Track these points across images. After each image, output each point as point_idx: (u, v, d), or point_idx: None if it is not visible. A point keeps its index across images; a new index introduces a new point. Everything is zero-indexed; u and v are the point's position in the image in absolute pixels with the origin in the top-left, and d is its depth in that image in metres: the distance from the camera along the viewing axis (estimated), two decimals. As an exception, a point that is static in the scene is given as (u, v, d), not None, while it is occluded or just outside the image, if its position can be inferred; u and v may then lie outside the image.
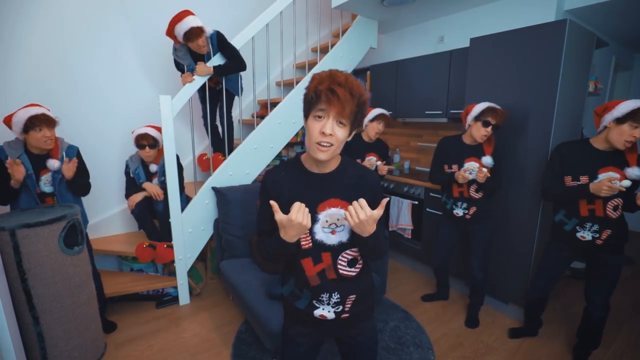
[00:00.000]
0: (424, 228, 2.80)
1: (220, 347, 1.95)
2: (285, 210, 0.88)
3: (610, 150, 1.58)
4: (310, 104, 0.87)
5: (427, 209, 2.73)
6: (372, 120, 2.31)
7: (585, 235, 1.65)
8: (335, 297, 0.98)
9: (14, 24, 2.20)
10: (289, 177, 0.97)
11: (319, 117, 0.85)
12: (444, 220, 2.23)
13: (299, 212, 0.84)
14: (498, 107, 1.88)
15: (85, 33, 2.46)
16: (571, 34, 1.88)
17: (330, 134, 0.84)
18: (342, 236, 0.95)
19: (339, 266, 0.97)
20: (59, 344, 1.62)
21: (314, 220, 0.93)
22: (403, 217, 2.89)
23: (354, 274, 1.00)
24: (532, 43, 1.99)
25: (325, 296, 0.98)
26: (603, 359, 1.87)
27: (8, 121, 1.72)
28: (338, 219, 0.94)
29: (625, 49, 3.58)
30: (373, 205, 0.87)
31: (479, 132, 1.90)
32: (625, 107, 1.48)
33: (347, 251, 0.98)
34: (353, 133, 0.93)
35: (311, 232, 0.95)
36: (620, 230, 1.61)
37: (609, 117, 1.53)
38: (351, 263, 0.99)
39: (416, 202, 2.81)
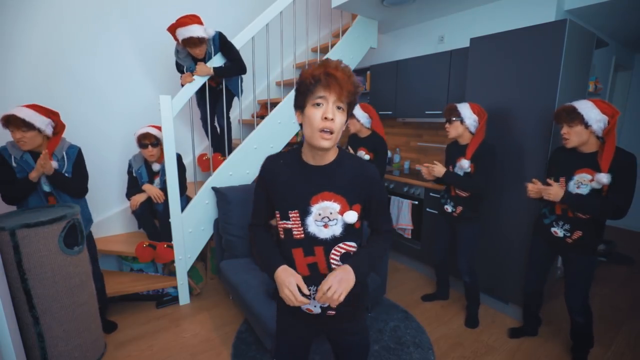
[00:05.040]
0: (423, 228, 2.80)
1: (220, 347, 1.95)
2: (277, 195, 0.96)
3: (588, 152, 1.59)
4: (306, 92, 0.87)
5: (427, 209, 2.73)
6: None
7: (558, 231, 1.70)
8: None
9: (14, 24, 2.20)
10: (287, 167, 0.98)
11: (318, 104, 0.86)
12: (438, 215, 2.29)
13: (292, 292, 0.91)
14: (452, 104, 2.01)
15: (85, 33, 2.46)
16: (571, 34, 1.88)
17: (332, 118, 0.85)
18: (334, 230, 0.95)
19: (331, 260, 0.97)
20: (59, 344, 1.62)
21: (307, 212, 0.94)
22: (403, 217, 2.89)
23: None
24: (532, 43, 1.99)
25: (312, 289, 0.98)
26: (603, 358, 1.88)
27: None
28: (331, 213, 0.94)
29: (625, 49, 3.58)
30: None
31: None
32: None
33: (341, 244, 0.97)
34: (347, 121, 0.93)
35: (304, 224, 0.95)
36: (593, 232, 1.61)
37: None
38: (344, 258, 0.98)
39: (416, 202, 2.81)
